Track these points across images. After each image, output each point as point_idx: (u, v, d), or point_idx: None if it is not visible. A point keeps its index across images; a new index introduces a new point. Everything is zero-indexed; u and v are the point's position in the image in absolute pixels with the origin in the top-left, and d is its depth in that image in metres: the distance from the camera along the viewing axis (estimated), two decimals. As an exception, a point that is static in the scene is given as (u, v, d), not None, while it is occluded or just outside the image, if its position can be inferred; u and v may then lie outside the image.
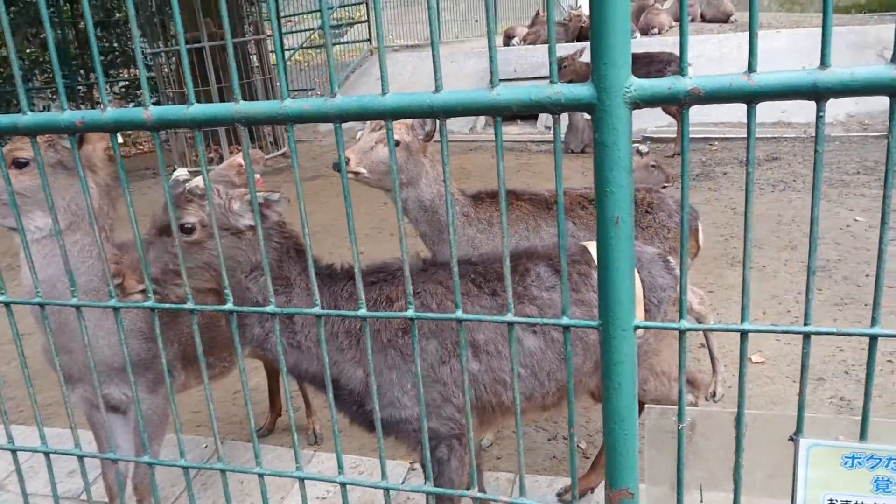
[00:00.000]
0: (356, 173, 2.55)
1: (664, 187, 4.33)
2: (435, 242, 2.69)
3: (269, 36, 8.83)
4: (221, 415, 3.39)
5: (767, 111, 8.87)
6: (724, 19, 12.51)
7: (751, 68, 1.13)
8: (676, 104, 1.17)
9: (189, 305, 1.43)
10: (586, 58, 7.68)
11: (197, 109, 1.33)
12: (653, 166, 4.16)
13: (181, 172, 1.93)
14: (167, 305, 1.45)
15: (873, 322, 1.16)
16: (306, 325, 1.93)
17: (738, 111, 9.10)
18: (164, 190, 1.43)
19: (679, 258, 2.55)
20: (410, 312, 1.35)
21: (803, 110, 8.87)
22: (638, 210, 2.80)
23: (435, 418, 1.99)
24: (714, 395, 3.05)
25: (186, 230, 1.78)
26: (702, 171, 6.56)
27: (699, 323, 3.10)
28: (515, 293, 2.05)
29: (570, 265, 2.13)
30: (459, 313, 1.32)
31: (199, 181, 1.81)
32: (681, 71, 1.16)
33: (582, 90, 1.19)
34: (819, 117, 1.16)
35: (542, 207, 2.80)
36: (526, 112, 1.24)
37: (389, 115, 1.25)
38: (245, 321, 1.91)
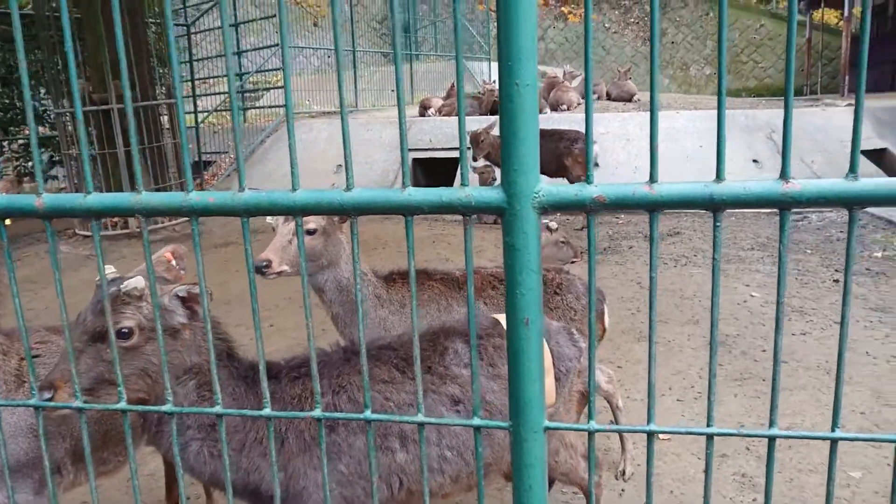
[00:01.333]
0: (279, 273, 2.50)
1: (573, 262, 4.45)
2: (347, 325, 2.65)
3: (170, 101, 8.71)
4: (113, 504, 3.15)
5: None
6: (629, 98, 13.23)
7: (652, 179, 1.17)
8: (583, 210, 1.20)
9: (77, 404, 1.34)
10: (497, 131, 7.92)
11: (94, 199, 1.27)
12: (562, 242, 4.26)
13: (110, 270, 1.82)
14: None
15: (771, 424, 1.20)
16: (230, 433, 1.83)
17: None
18: (99, 292, 1.35)
19: (586, 337, 2.60)
20: (317, 412, 1.31)
21: (701, 187, 9.35)
22: (546, 291, 2.85)
23: None
24: (623, 473, 3.08)
25: (123, 335, 1.68)
26: (609, 244, 6.79)
27: (608, 402, 3.17)
28: (436, 373, 2.05)
29: (484, 339, 2.15)
30: (368, 413, 1.29)
31: (135, 281, 1.72)
32: (587, 179, 1.19)
33: (492, 194, 1.21)
34: (716, 226, 1.21)
35: (453, 287, 2.81)
36: (437, 213, 1.24)
37: (299, 211, 1.23)
38: (163, 428, 1.80)
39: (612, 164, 9.83)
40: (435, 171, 11.02)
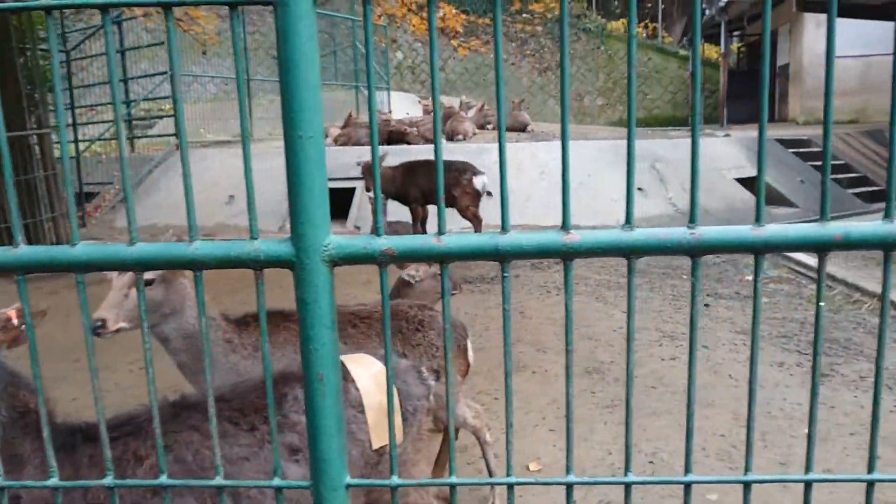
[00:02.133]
0: (117, 331, 2.37)
1: (453, 294, 4.47)
2: (194, 373, 2.54)
3: (54, 128, 8.27)
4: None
5: (554, 214, 9.55)
6: (522, 129, 13.58)
7: (440, 231, 1.17)
8: (373, 263, 1.19)
9: None
10: (388, 162, 7.94)
11: None
12: (439, 274, 4.27)
13: None
14: None
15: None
16: None
17: (533, 213, 9.78)
18: None
19: (433, 373, 2.59)
20: (108, 480, 1.23)
21: (590, 215, 9.67)
22: (408, 328, 2.84)
23: None
24: (493, 510, 3.07)
25: None
26: (496, 274, 6.87)
27: (476, 437, 3.16)
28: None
29: None
30: (163, 479, 1.23)
31: None
32: (376, 231, 1.18)
33: (281, 247, 1.18)
34: (504, 277, 1.22)
35: None
36: (225, 268, 1.20)
37: (79, 268, 1.16)
38: None
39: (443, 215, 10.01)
40: (331, 201, 10.87)
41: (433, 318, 2.92)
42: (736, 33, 21.39)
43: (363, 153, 10.70)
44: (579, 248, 1.16)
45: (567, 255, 1.17)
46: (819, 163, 12.07)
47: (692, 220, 1.15)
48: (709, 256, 5.73)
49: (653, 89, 22.28)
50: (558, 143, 8.83)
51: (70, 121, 11.12)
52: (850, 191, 11.55)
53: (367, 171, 7.43)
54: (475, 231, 7.74)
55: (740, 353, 4.63)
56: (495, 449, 3.21)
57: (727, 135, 12.95)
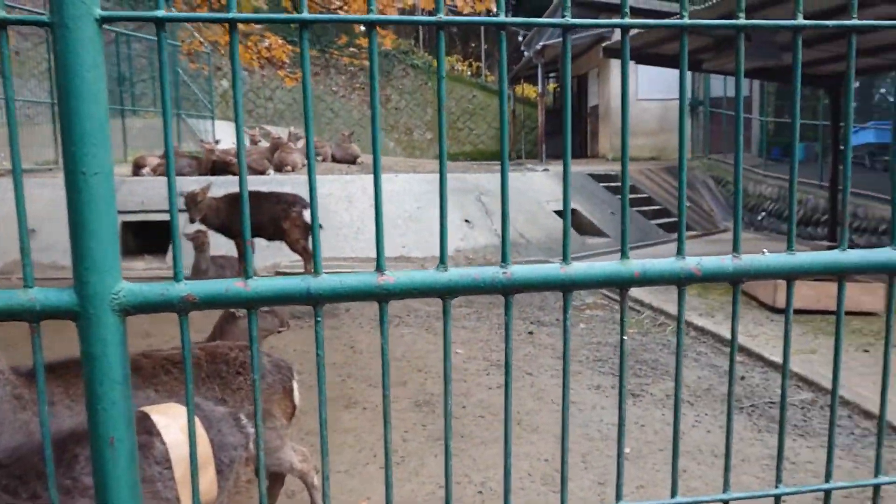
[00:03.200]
0: None
1: (280, 331, 4.30)
2: None
3: None
4: None
5: (390, 245, 9.61)
6: (352, 161, 13.58)
7: (247, 275, 1.10)
8: (171, 311, 1.09)
9: None
10: (212, 192, 7.59)
11: None
12: (266, 311, 4.10)
13: None
14: None
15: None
16: None
17: (365, 246, 9.76)
18: None
19: (274, 416, 2.46)
20: None
21: (421, 246, 9.81)
22: (228, 371, 2.69)
23: None
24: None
25: None
26: (327, 308, 6.75)
27: (304, 482, 3.04)
28: (63, 487, 1.75)
29: None
30: None
31: None
32: (176, 276, 1.09)
33: (62, 297, 1.04)
34: (317, 322, 1.17)
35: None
36: (-6, 321, 1.05)
37: None
38: None
39: (336, 226, 9.93)
40: (148, 235, 10.24)
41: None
42: (552, 75, 22.93)
43: (183, 184, 10.17)
44: (394, 289, 1.14)
45: (382, 297, 1.14)
46: (630, 196, 13.14)
47: (504, 259, 1.16)
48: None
49: (478, 125, 23.22)
50: (389, 176, 8.90)
51: None
52: (654, 221, 12.63)
53: (192, 201, 7.05)
54: (305, 264, 7.59)
55: (561, 379, 4.85)
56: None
57: (546, 169, 13.74)
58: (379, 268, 1.14)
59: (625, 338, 1.24)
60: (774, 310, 6.47)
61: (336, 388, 4.57)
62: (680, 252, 1.22)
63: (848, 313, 6.42)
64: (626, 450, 3.86)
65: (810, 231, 12.14)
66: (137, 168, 11.82)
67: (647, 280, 1.20)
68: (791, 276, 1.23)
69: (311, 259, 7.84)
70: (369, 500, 3.37)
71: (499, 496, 3.42)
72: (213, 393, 2.61)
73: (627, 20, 1.16)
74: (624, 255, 1.20)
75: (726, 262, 1.21)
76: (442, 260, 1.16)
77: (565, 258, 1.18)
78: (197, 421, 2.07)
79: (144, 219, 9.99)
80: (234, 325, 3.93)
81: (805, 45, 8.25)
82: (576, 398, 4.51)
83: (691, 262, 1.20)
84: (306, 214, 7.65)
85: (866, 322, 6.27)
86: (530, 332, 5.88)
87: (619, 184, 13.81)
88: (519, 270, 1.16)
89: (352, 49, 19.53)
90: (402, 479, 3.52)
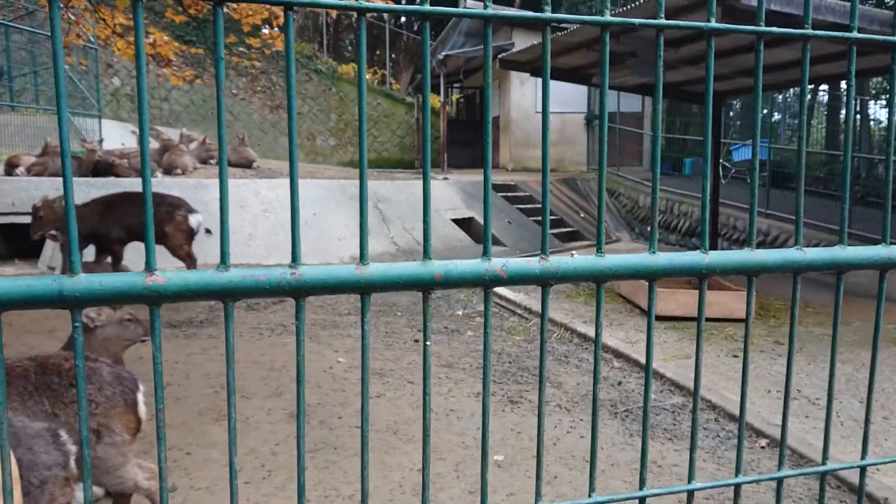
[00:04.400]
0: None
1: (143, 341, 4.05)
2: None
3: None
4: None
5: (284, 251, 9.37)
6: (248, 165, 13.21)
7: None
8: None
9: None
10: (95, 194, 7.16)
11: None
12: (128, 320, 3.86)
13: None
14: None
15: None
16: None
17: (256, 251, 9.46)
18: None
19: (113, 431, 2.27)
20: None
21: (317, 253, 9.60)
22: (61, 383, 2.48)
23: None
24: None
25: None
26: (207, 316, 6.47)
27: (151, 501, 2.84)
28: None
29: None
30: None
31: None
32: (149, 265, 0.93)
33: None
34: (74, 328, 1.05)
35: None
36: None
37: None
38: None
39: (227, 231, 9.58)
40: (20, 237, 9.58)
41: (93, 370, 2.58)
42: (455, 85, 23.13)
43: (60, 185, 9.57)
44: (165, 291, 1.03)
45: (152, 300, 1.03)
46: (525, 205, 13.33)
47: (426, 254, 1.08)
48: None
49: (382, 133, 23.12)
50: (283, 181, 8.71)
51: None
52: (551, 231, 12.89)
53: (35, 214, 6.66)
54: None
55: (442, 386, 4.81)
56: (175, 512, 2.91)
57: (446, 178, 13.79)
58: (148, 267, 1.04)
59: (427, 343, 1.18)
60: (656, 317, 6.67)
61: (207, 400, 4.36)
62: (485, 254, 1.17)
63: (722, 320, 6.71)
64: (500, 457, 3.84)
65: (694, 241, 12.70)
66: (10, 167, 11.07)
67: (450, 282, 1.14)
68: (600, 278, 1.21)
69: (194, 265, 7.51)
70: (233, 517, 3.20)
71: (368, 509, 3.32)
72: (42, 407, 2.39)
73: (608, 17, 1.13)
74: (426, 255, 1.14)
75: (533, 264, 1.17)
76: (222, 261, 1.06)
77: (362, 258, 1.11)
78: None
79: (15, 221, 9.33)
80: (91, 334, 3.68)
81: (688, 62, 8.62)
82: (455, 406, 4.47)
83: (497, 264, 1.15)
84: (191, 219, 7.33)
85: (739, 328, 6.56)
86: (416, 340, 5.82)
87: (517, 194, 14.03)
88: (309, 272, 1.07)
89: (241, 49, 19.03)
90: (267, 495, 3.36)
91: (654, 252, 1.23)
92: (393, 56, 26.46)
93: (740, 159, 15.48)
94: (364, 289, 1.11)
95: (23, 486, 1.83)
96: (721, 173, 12.61)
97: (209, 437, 3.93)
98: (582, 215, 14.46)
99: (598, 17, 1.18)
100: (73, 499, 2.45)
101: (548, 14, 1.14)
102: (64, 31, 12.49)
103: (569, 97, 16.78)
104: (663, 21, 1.22)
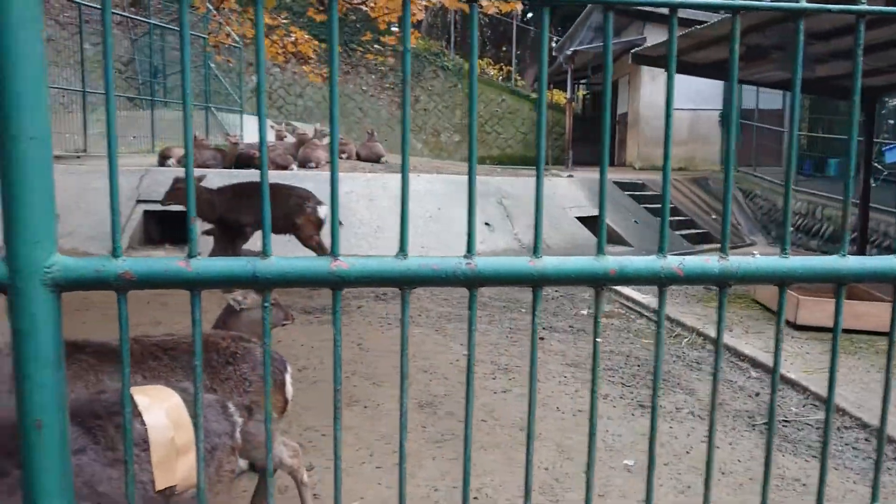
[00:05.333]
0: None
1: (284, 324, 4.25)
2: None
3: None
4: None
5: (409, 245, 9.54)
6: (376, 160, 13.56)
7: (191, 254, 1.03)
8: (108, 289, 1.02)
9: None
10: (210, 183, 7.60)
11: None
12: (272, 304, 4.06)
13: None
14: None
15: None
16: None
17: (385, 244, 9.71)
18: None
19: (241, 409, 2.40)
20: None
21: (441, 247, 9.74)
22: (218, 360, 2.64)
23: None
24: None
25: None
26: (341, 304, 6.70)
27: (294, 478, 2.98)
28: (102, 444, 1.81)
29: (107, 417, 1.89)
30: None
31: None
32: (114, 251, 1.02)
33: (-9, 267, 0.99)
34: (265, 306, 1.10)
35: (107, 360, 2.49)
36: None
37: None
38: None
39: (356, 223, 9.91)
40: (172, 224, 10.32)
41: (247, 350, 2.73)
42: (582, 81, 22.75)
43: (209, 178, 10.22)
44: (348, 276, 1.06)
45: (335, 284, 1.07)
46: (654, 205, 12.93)
47: (535, 252, 1.08)
48: (548, 290, 5.82)
49: (506, 129, 23.10)
50: (413, 175, 8.86)
51: None
52: (679, 232, 12.42)
53: (177, 187, 7.14)
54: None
55: (569, 386, 4.74)
56: (323, 487, 3.03)
57: (570, 175, 13.60)
58: (333, 252, 1.07)
59: (598, 340, 1.16)
60: (796, 326, 6.28)
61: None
62: (661, 250, 1.13)
63: (874, 333, 6.23)
64: (630, 462, 3.74)
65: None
66: (163, 159, 11.92)
67: (624, 278, 1.11)
68: (784, 280, 1.14)
69: (325, 254, 7.82)
70: (363, 499, 3.30)
71: (493, 501, 3.33)
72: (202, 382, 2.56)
73: (803, 3, 1.09)
74: (600, 250, 1.11)
75: (711, 262, 1.12)
76: (402, 249, 1.09)
77: (536, 252, 1.10)
78: (181, 404, 2.02)
79: (167, 209, 10.05)
80: (237, 317, 3.89)
81: (841, 56, 8.04)
82: (583, 406, 4.39)
83: (673, 262, 1.11)
84: (320, 210, 7.62)
85: (892, 343, 6.06)
86: (541, 338, 5.77)
87: (644, 193, 13.62)
88: (483, 262, 1.08)
89: (376, 46, 19.52)
90: (397, 481, 3.43)
91: (786, 255, 1.13)
92: (518, 52, 26.38)
93: (893, 160, 14.28)
94: (536, 281, 1.10)
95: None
96: (872, 175, 11.68)
97: (343, 420, 4.06)
98: (713, 216, 13.84)
99: (792, 4, 1.10)
100: (237, 467, 2.61)
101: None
102: (214, 32, 13.34)
103: (702, 93, 16.09)
104: (864, 7, 1.13)
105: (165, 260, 1.02)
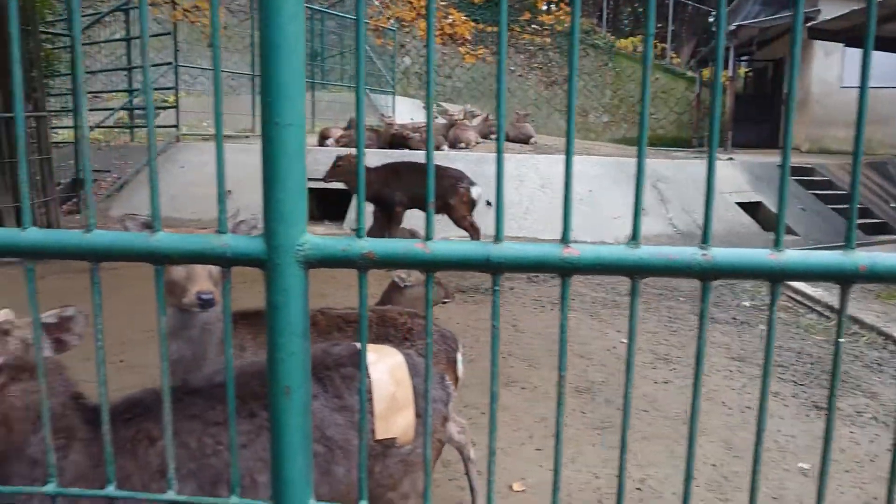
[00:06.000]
0: None
1: (445, 302, 4.36)
2: (191, 370, 2.43)
3: (50, 113, 8.18)
4: None
5: (553, 228, 9.45)
6: (526, 141, 13.50)
7: (428, 237, 1.07)
8: (351, 267, 1.08)
9: None
10: (369, 162, 7.85)
11: None
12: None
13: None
14: None
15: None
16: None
17: (532, 226, 9.68)
18: None
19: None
20: (50, 487, 1.13)
21: (591, 231, 9.58)
22: (396, 335, 2.74)
23: None
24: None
25: None
26: (490, 285, 6.77)
27: (460, 453, 3.05)
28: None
29: (333, 369, 2.03)
30: (111, 489, 1.14)
31: (2, 314, 1.57)
32: (357, 232, 1.08)
33: (251, 244, 1.07)
34: (494, 291, 1.12)
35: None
36: (189, 262, 1.11)
37: (28, 255, 1.07)
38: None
39: (505, 205, 9.92)
40: (330, 202, 10.84)
41: (423, 327, 2.82)
42: (744, 58, 21.39)
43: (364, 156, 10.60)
44: (578, 263, 1.06)
45: (565, 271, 1.07)
46: (823, 191, 11.99)
47: (705, 240, 1.05)
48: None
49: (659, 109, 22.25)
50: (562, 157, 8.83)
51: (72, 107, 11.01)
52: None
53: (336, 162, 7.44)
54: (472, 240, 7.65)
55: (735, 381, 4.52)
56: (479, 466, 3.09)
57: (731, 158, 12.88)
58: (564, 240, 1.07)
59: (840, 340, 1.08)
60: None
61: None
62: (777, 244, 1.03)
63: None
64: (806, 465, 3.52)
65: None
66: (323, 139, 12.51)
67: (875, 276, 1.03)
68: None
69: (477, 234, 7.88)
70: (524, 480, 3.33)
71: (658, 495, 3.25)
72: (382, 356, 2.68)
73: None
74: (849, 244, 1.03)
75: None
76: (635, 237, 1.07)
77: (777, 244, 1.04)
78: (403, 364, 2.14)
79: (326, 186, 10.55)
80: (401, 294, 4.02)
81: None
82: (751, 403, 4.18)
83: (930, 260, 1.01)
84: (473, 191, 7.70)
85: None
86: (703, 329, 5.55)
87: (812, 178, 12.68)
88: (721, 253, 1.03)
89: (533, 26, 19.33)
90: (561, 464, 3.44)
91: None
92: (673, 29, 25.23)
93: None
94: (777, 276, 1.04)
95: (415, 409, 2.09)
96: None
97: (501, 401, 4.11)
98: (892, 205, 12.63)
99: None
100: (446, 437, 2.73)
101: None
102: (375, 16, 13.77)
103: (884, 70, 14.67)
104: None
105: (404, 242, 1.07)
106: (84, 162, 1.07)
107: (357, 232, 1.07)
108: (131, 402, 1.87)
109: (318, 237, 1.07)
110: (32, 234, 1.07)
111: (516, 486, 3.28)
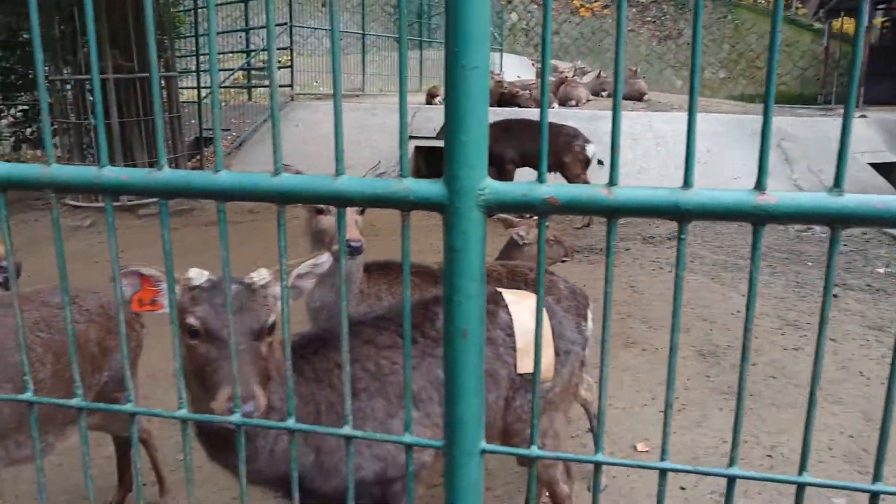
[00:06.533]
0: None
1: (564, 261, 4.31)
2: (326, 319, 2.54)
3: (180, 73, 8.57)
4: (69, 486, 3.05)
5: (671, 183, 9.14)
6: (639, 98, 13.05)
7: (612, 182, 1.04)
8: (531, 212, 1.07)
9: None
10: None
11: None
12: (552, 240, 4.13)
13: (196, 274, 1.67)
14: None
15: (731, 462, 1.07)
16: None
17: (647, 185, 9.39)
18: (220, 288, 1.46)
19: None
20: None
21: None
22: (526, 289, 2.74)
23: (392, 469, 1.96)
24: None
25: (272, 330, 1.66)
26: (605, 246, 6.65)
27: (586, 409, 3.05)
28: (430, 337, 2.06)
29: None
30: (291, 422, 1.20)
31: (264, 272, 1.68)
32: (539, 177, 1.07)
33: (432, 188, 1.08)
34: (680, 239, 1.08)
35: (429, 280, 2.71)
36: (371, 206, 1.13)
37: (220, 196, 1.12)
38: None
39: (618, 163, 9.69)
40: (437, 160, 10.89)
41: (553, 283, 2.81)
42: (881, 6, 19.70)
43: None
44: (775, 211, 1.00)
45: (759, 219, 1.02)
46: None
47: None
48: (840, 245, 5.28)
49: (782, 64, 20.92)
50: (677, 114, 8.48)
51: (194, 67, 11.51)
52: None
53: (432, 96, 7.39)
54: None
55: (872, 350, 4.27)
56: (606, 425, 3.08)
57: (863, 115, 11.98)
58: (759, 186, 1.02)
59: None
60: None
61: (616, 326, 4.51)
62: None
63: None
64: (956, 442, 3.29)
65: None
66: (431, 97, 12.53)
67: None
68: None
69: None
70: (647, 440, 3.29)
71: (790, 462, 3.14)
72: (511, 310, 2.69)
73: None
74: None
75: None
76: (837, 184, 1.00)
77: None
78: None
79: (435, 144, 10.60)
80: (520, 251, 4.00)
81: None
82: (877, 369, 3.95)
83: None
84: (588, 148, 7.54)
85: None
86: (835, 295, 5.24)
87: (959, 136, 11.63)
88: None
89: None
90: (683, 427, 3.38)
91: None
92: (801, -24, 23.50)
93: None
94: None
95: (554, 348, 2.13)
96: None
97: (621, 361, 4.07)
98: None
99: None
100: (583, 384, 2.76)
101: None
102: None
103: None
104: None
105: (587, 187, 1.05)
106: (271, 115, 1.10)
107: (539, 177, 1.06)
108: (309, 338, 2.03)
109: (498, 182, 1.06)
110: (224, 178, 1.12)
111: (640, 447, 3.25)
